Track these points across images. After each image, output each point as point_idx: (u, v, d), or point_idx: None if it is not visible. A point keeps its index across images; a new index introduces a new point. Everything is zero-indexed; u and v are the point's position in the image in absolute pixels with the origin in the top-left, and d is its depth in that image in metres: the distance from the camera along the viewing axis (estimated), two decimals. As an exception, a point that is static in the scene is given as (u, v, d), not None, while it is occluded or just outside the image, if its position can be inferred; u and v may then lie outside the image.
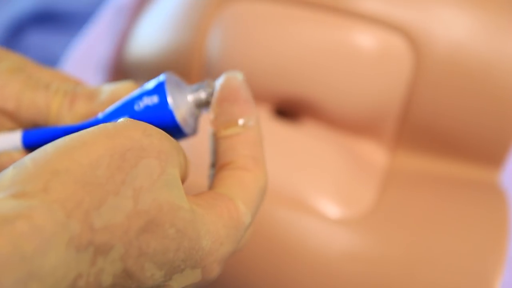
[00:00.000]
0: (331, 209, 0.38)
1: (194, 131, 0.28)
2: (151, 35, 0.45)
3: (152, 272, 0.23)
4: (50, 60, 0.62)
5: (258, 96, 0.41)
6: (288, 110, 0.42)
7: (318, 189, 0.38)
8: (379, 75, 0.39)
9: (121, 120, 0.24)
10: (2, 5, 0.64)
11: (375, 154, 0.41)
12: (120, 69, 0.47)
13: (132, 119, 0.24)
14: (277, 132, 0.40)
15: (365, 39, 0.39)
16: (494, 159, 0.40)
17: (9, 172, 0.21)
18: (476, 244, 0.36)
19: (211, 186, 0.27)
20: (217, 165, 0.27)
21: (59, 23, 0.64)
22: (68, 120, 0.28)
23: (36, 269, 0.19)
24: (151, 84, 0.26)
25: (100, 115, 0.27)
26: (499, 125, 0.39)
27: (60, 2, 0.64)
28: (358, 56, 0.39)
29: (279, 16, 0.40)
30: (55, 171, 0.21)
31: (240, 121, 0.27)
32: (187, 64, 0.43)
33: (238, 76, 0.27)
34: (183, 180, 0.26)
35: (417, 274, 0.36)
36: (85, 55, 0.50)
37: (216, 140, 0.28)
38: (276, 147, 0.39)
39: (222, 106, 0.28)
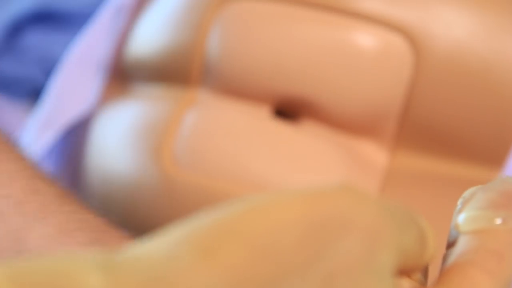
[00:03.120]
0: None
1: None
2: (151, 35, 0.44)
3: None
4: (50, 60, 0.61)
5: (258, 96, 0.41)
6: (287, 110, 0.42)
7: (318, 189, 0.38)
8: (379, 74, 0.39)
9: (331, 183, 0.19)
10: (2, 5, 0.64)
11: (375, 154, 0.41)
12: (120, 69, 0.47)
13: (346, 184, 0.19)
14: (277, 132, 0.40)
15: (365, 38, 0.39)
16: (494, 159, 0.40)
17: (172, 230, 0.18)
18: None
19: (440, 279, 0.21)
20: (455, 251, 0.22)
21: (59, 23, 0.64)
22: None
23: None
24: None
25: None
26: (499, 125, 0.39)
27: (60, 2, 0.64)
28: (358, 55, 0.39)
29: (279, 15, 0.40)
30: (227, 232, 0.17)
31: (501, 214, 0.22)
32: (187, 64, 0.42)
33: None
34: (411, 267, 0.21)
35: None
36: (84, 55, 0.50)
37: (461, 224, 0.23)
38: (275, 147, 0.39)
39: (487, 192, 0.23)
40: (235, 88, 0.41)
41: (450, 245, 0.23)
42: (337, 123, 0.40)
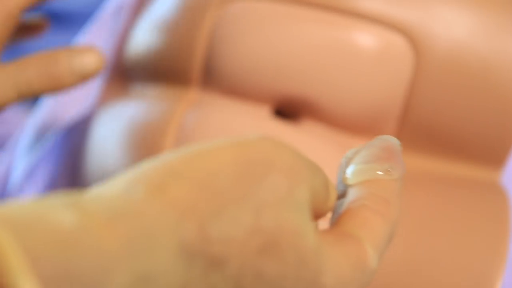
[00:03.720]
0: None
1: None
2: (151, 35, 0.44)
3: None
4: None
5: (258, 96, 0.41)
6: (287, 111, 0.42)
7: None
8: (379, 74, 0.39)
9: (252, 134, 0.23)
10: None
11: (375, 154, 0.41)
12: (120, 69, 0.47)
13: (265, 135, 0.23)
14: (277, 132, 0.40)
15: (366, 38, 0.39)
16: (495, 159, 0.40)
17: (125, 173, 0.21)
18: (477, 244, 0.36)
19: (336, 222, 0.25)
20: (345, 201, 0.25)
21: (59, 23, 0.64)
22: None
23: (146, 271, 0.18)
24: None
25: None
26: (500, 125, 0.39)
27: (59, 2, 0.64)
28: (358, 55, 0.39)
29: (280, 15, 0.40)
30: (173, 173, 0.20)
31: (384, 166, 0.26)
32: (187, 64, 0.42)
33: (395, 140, 0.27)
34: (318, 211, 0.24)
35: (417, 273, 0.36)
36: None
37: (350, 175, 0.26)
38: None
39: (370, 148, 0.26)
40: (235, 88, 0.41)
41: (339, 197, 0.26)
42: (337, 123, 0.40)
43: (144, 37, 0.45)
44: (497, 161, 0.40)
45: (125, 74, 0.47)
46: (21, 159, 0.48)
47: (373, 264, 0.24)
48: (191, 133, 0.40)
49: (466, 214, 0.38)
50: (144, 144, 0.41)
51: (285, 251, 0.21)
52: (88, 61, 0.40)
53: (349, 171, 0.26)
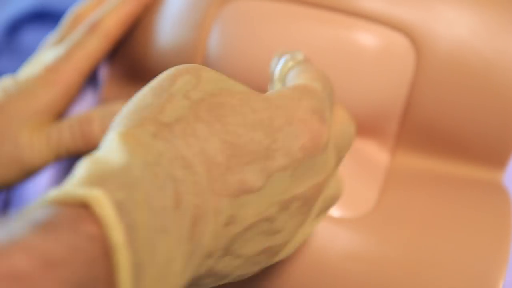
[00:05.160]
0: (332, 208, 0.38)
1: None
2: (152, 36, 0.44)
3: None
4: (48, 60, 0.61)
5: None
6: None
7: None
8: (381, 74, 0.39)
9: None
10: (1, 5, 0.64)
11: (377, 153, 0.41)
12: (121, 69, 0.47)
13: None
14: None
15: (367, 38, 0.39)
16: (496, 159, 0.40)
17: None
18: (478, 245, 0.36)
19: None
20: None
21: (57, 23, 0.64)
22: None
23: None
24: None
25: None
26: (502, 125, 0.39)
27: (58, 2, 0.64)
28: (359, 55, 0.39)
29: (280, 14, 0.40)
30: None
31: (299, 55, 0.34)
32: (188, 63, 0.42)
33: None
34: None
35: (418, 274, 0.36)
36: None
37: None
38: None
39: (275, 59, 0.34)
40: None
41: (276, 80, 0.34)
42: (338, 123, 0.40)
43: (146, 38, 0.45)
44: (498, 161, 0.40)
45: (126, 74, 0.47)
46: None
47: (318, 88, 0.30)
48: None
49: (467, 215, 0.38)
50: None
51: (227, 99, 0.28)
52: None
53: (276, 70, 0.33)
